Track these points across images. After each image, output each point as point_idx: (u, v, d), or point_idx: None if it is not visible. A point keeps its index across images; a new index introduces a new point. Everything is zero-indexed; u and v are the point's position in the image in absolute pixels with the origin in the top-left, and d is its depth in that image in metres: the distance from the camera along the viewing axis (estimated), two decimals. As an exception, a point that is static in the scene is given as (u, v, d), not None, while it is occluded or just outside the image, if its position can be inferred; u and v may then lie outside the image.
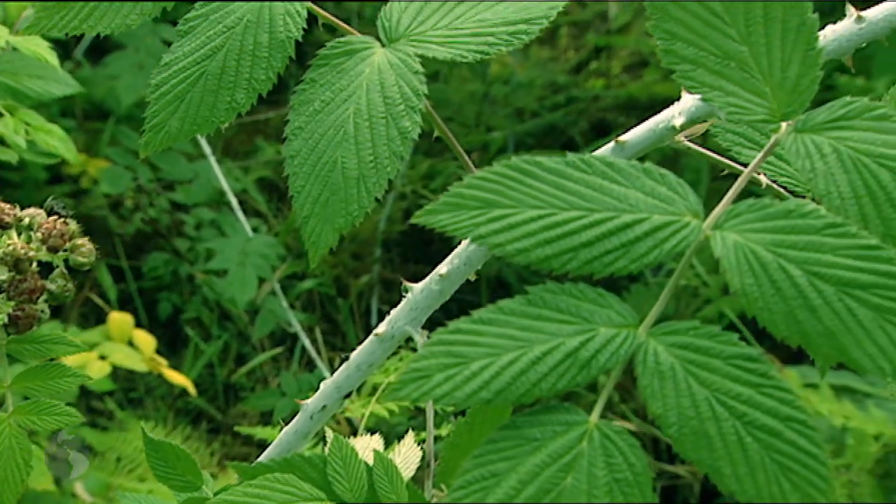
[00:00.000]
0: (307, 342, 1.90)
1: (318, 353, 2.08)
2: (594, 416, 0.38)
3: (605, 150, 0.53)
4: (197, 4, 0.51)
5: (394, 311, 0.57)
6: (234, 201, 1.87)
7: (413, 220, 0.42)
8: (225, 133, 2.78)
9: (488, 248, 0.40)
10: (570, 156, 0.42)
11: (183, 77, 0.50)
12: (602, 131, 3.30)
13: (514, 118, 3.42)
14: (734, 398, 0.37)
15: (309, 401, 0.59)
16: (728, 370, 0.38)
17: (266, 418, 2.06)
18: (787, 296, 0.38)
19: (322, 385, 0.58)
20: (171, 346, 2.33)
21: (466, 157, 0.56)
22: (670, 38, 0.43)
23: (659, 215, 0.40)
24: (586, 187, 0.41)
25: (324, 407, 0.58)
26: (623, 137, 0.52)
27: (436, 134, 0.56)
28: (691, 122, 0.50)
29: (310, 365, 2.23)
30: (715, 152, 0.56)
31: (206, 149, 1.81)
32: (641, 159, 0.42)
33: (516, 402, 0.38)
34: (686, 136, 0.53)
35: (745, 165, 0.45)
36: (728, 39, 0.42)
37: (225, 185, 1.82)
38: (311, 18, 0.53)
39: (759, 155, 0.42)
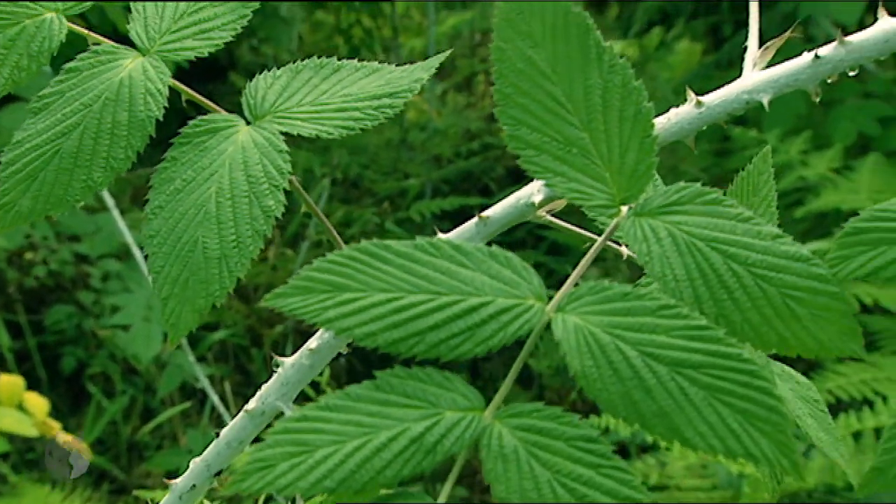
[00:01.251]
0: (215, 398, 1.86)
1: (229, 407, 2.03)
2: (441, 498, 0.39)
3: (468, 225, 0.54)
4: (53, 81, 0.50)
5: (264, 387, 0.57)
6: (138, 254, 1.82)
7: (263, 304, 0.42)
8: (135, 182, 2.71)
9: (335, 332, 0.40)
10: (420, 239, 0.42)
11: (36, 155, 0.49)
12: (517, 177, 3.37)
13: (431, 164, 3.46)
14: (575, 479, 0.38)
15: (177, 480, 0.57)
16: (570, 451, 0.39)
17: (173, 477, 2.00)
18: (623, 377, 0.39)
19: (191, 464, 0.57)
20: (76, 402, 2.24)
21: (334, 231, 0.57)
22: (515, 124, 0.44)
23: (504, 298, 0.41)
24: (434, 270, 0.42)
25: (193, 486, 0.57)
26: (485, 213, 0.54)
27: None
28: (549, 198, 0.52)
29: (221, 420, 2.17)
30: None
31: (109, 201, 1.77)
32: (500, 243, 0.43)
33: (361, 490, 0.38)
34: (547, 211, 0.54)
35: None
36: (570, 126, 0.44)
37: (129, 237, 1.78)
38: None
39: (599, 240, 0.44)
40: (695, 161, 2.45)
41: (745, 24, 0.55)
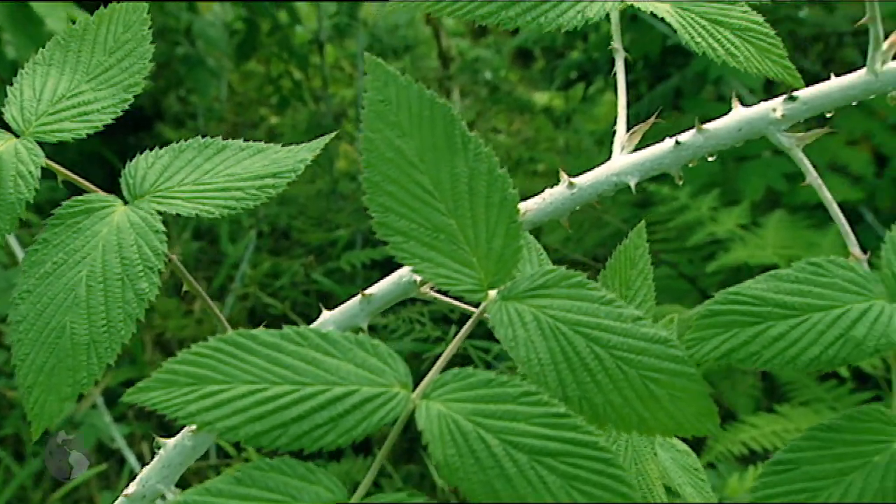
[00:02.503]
0: (132, 459, 1.80)
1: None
2: None
3: (353, 302, 0.54)
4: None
5: (145, 469, 0.55)
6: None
7: (125, 399, 0.41)
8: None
9: (197, 427, 0.40)
10: (286, 329, 0.43)
11: None
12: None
13: (361, 214, 3.46)
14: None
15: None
16: (432, 541, 0.39)
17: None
18: (485, 465, 0.40)
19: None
20: (-14, 466, 2.14)
21: (216, 309, 0.56)
22: (384, 212, 0.45)
23: (368, 387, 0.41)
24: (300, 360, 0.42)
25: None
26: (369, 291, 0.54)
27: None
28: (429, 277, 0.53)
29: (139, 480, 2.09)
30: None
31: (19, 254, 1.72)
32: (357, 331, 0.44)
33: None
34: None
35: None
36: (437, 213, 0.45)
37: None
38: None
39: (466, 325, 0.44)
40: (618, 211, 2.51)
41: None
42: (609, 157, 0.53)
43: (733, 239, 1.75)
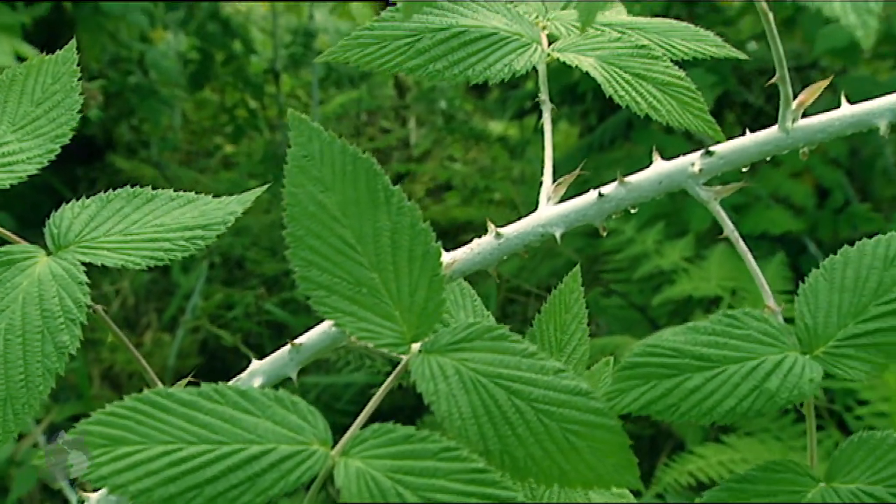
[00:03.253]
0: (74, 499, 1.75)
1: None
2: None
3: (282, 353, 0.54)
4: None
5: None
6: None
7: (36, 463, 0.40)
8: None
9: (109, 490, 0.39)
10: (205, 386, 0.42)
11: None
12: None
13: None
14: None
15: None
16: None
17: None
18: (403, 523, 0.40)
19: None
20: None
21: (145, 363, 0.55)
22: (306, 266, 0.45)
23: (287, 445, 0.41)
24: (217, 418, 0.41)
25: None
26: (298, 340, 0.54)
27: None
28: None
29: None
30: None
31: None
32: (277, 386, 0.44)
33: None
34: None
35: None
36: (360, 267, 0.45)
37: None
38: None
39: (389, 379, 0.44)
40: (570, 241, 2.54)
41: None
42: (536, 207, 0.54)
43: (678, 271, 1.78)
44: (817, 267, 0.49)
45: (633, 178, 0.52)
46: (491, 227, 0.53)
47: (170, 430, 0.41)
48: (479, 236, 0.53)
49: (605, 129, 2.69)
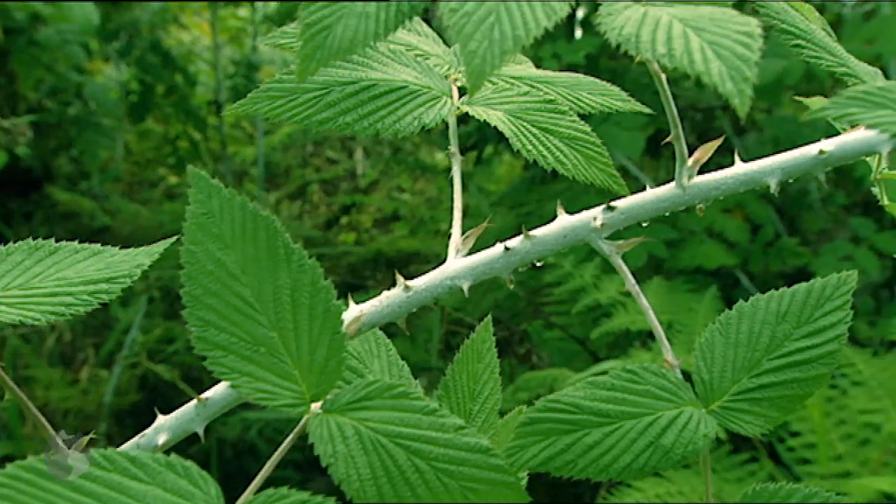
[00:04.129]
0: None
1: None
2: None
3: (188, 408, 0.53)
4: None
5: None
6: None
7: None
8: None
9: (-13, 564, 0.38)
10: (93, 452, 0.41)
11: None
12: (352, 287, 3.37)
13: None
14: None
15: None
16: None
17: None
18: (295, 591, 0.39)
19: None
20: None
21: (43, 420, 0.54)
22: (204, 326, 0.44)
23: (177, 512, 0.40)
24: (105, 486, 0.40)
25: None
26: (205, 395, 0.53)
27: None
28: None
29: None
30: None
31: None
32: (169, 451, 0.43)
33: None
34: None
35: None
36: (258, 326, 0.45)
37: None
38: None
39: (285, 442, 0.44)
40: (514, 274, 2.55)
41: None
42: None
43: (616, 305, 1.80)
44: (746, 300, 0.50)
45: (538, 232, 0.52)
46: (400, 279, 0.54)
47: (54, 499, 0.40)
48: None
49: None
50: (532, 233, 0.52)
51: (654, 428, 0.45)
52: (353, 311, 0.53)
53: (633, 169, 2.20)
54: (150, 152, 3.88)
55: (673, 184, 0.50)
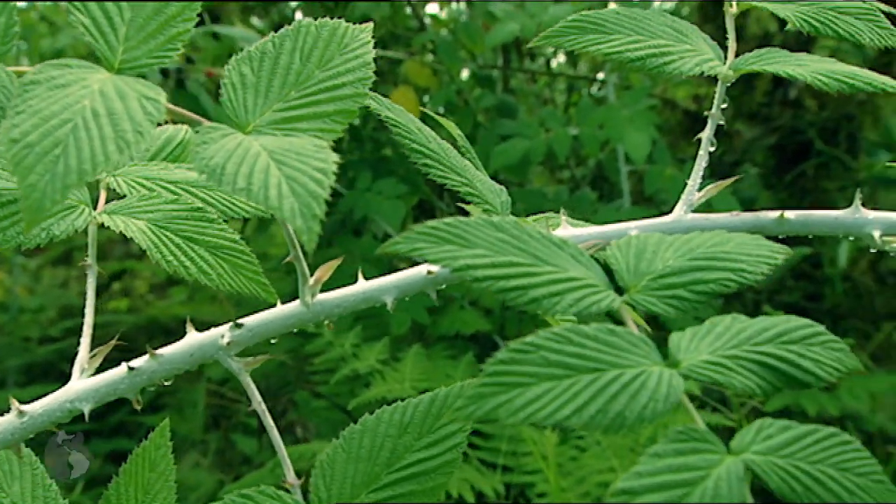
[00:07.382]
0: None
1: None
2: None
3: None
4: None
5: None
6: None
7: None
8: None
9: None
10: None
11: None
12: (128, 355, 3.16)
13: (21, 349, 3.13)
14: None
15: None
16: None
17: None
18: None
19: None
20: None
21: None
22: None
23: None
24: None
25: None
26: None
27: None
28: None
29: None
30: None
31: None
32: None
33: None
34: None
35: None
36: None
37: None
38: None
39: None
40: (283, 343, 2.50)
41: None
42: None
43: (374, 374, 1.81)
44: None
45: (164, 351, 0.51)
46: (14, 403, 0.50)
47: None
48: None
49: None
50: (158, 352, 0.51)
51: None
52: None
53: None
54: None
55: (298, 302, 0.50)
